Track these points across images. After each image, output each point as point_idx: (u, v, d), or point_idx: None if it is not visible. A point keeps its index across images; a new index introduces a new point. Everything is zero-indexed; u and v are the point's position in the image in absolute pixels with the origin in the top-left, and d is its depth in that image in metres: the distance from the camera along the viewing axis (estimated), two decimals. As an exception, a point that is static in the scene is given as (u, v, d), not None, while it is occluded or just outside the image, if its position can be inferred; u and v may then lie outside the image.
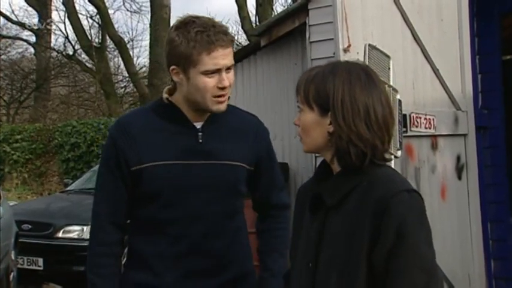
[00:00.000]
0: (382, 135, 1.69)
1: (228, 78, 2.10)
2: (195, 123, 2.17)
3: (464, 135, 5.01)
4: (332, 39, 4.21)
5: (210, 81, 2.08)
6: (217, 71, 2.08)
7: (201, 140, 2.15)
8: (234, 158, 2.19)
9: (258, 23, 16.44)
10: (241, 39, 19.68)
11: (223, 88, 2.09)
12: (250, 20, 17.72)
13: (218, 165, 2.16)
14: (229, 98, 2.17)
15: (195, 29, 2.06)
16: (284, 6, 18.33)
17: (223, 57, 2.07)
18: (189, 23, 2.09)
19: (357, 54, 3.98)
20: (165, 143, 2.14)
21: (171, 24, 2.18)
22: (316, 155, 3.97)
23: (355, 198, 1.65)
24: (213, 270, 2.16)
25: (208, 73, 2.07)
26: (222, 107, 2.14)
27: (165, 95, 2.20)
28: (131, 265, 2.22)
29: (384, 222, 1.58)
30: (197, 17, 2.12)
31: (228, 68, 2.11)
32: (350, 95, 1.68)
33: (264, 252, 2.32)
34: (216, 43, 2.05)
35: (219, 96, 2.10)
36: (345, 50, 3.92)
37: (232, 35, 2.16)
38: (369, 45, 4.04)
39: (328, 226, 1.68)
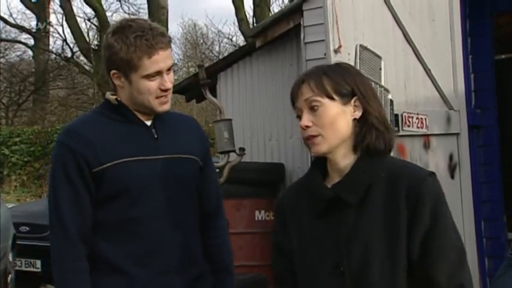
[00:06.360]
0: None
1: (169, 79, 2.11)
2: (144, 122, 2.17)
3: (457, 134, 5.04)
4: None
5: (152, 84, 2.08)
6: (159, 73, 2.08)
7: (156, 136, 2.16)
8: (190, 152, 2.20)
9: (255, 24, 16.46)
10: (239, 40, 19.73)
11: (165, 90, 2.11)
12: (247, 21, 17.76)
13: (178, 159, 2.16)
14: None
15: (133, 33, 2.05)
16: (281, 7, 18.37)
17: (164, 59, 2.08)
18: (126, 27, 2.08)
19: (348, 55, 4.01)
20: (121, 142, 2.11)
21: (108, 30, 2.16)
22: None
23: (379, 190, 1.69)
24: (182, 267, 2.14)
25: (149, 77, 2.08)
26: (166, 106, 2.15)
27: (113, 97, 2.17)
28: (100, 274, 2.10)
29: (418, 207, 1.65)
30: (133, 21, 2.12)
31: (168, 69, 2.11)
32: (366, 83, 1.80)
33: (214, 271, 2.28)
34: (156, 46, 2.05)
35: (162, 97, 2.11)
36: (336, 51, 3.94)
37: (169, 36, 2.14)
38: (360, 45, 4.07)
39: (355, 224, 1.69)
